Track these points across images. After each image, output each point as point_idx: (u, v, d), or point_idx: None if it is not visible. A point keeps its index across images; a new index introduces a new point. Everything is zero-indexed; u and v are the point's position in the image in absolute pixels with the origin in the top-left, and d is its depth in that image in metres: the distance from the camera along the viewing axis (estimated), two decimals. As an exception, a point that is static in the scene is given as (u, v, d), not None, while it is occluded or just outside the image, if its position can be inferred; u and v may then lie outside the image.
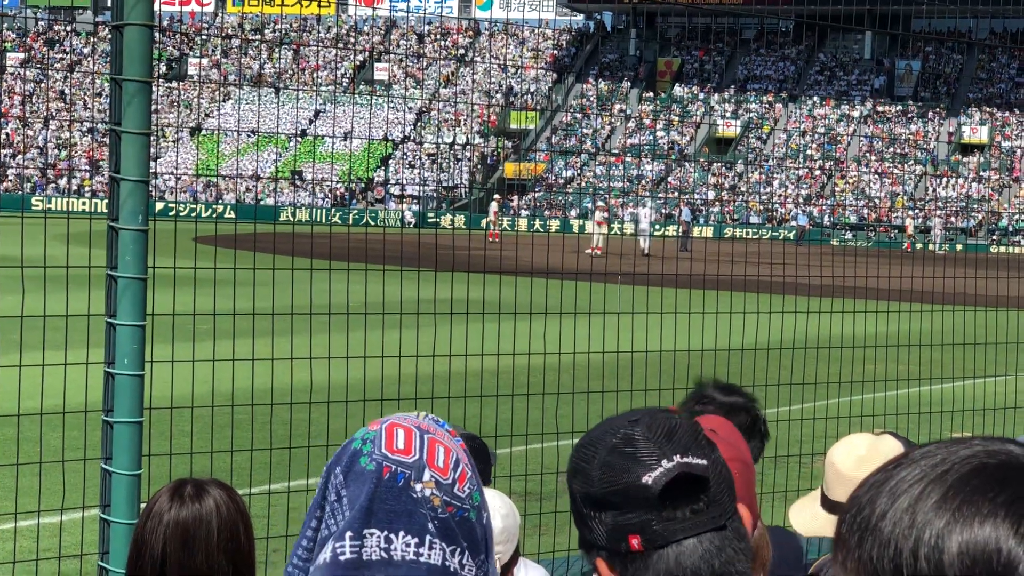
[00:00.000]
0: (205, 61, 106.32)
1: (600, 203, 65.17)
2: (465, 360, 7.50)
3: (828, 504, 3.96)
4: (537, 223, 76.55)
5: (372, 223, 63.87)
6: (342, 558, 2.38)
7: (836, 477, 3.82)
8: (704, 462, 2.31)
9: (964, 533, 1.55)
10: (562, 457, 8.77)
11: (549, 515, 8.34)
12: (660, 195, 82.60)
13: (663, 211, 70.79)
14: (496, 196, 69.52)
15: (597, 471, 2.39)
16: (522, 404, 7.73)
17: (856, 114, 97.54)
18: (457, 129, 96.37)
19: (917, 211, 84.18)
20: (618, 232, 61.69)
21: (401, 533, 2.39)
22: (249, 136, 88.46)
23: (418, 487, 2.42)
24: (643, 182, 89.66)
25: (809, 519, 4.03)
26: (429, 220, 69.42)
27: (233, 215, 66.61)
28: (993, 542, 1.54)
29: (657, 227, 53.71)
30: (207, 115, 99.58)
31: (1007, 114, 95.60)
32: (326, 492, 2.48)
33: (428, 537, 2.40)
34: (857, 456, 3.78)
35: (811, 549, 4.20)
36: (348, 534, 2.39)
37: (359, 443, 2.48)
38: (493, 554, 2.56)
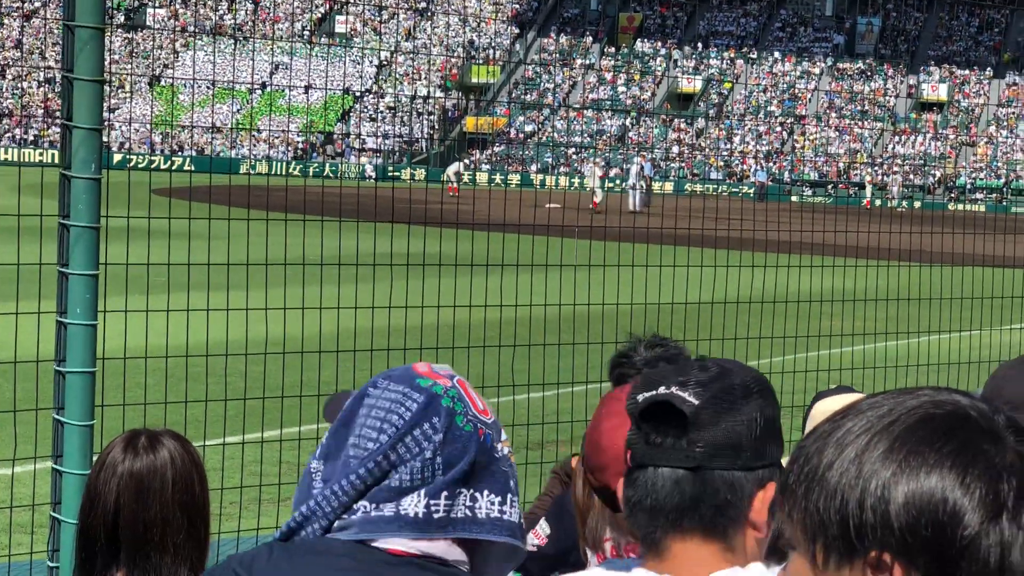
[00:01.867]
0: (163, 11, 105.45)
1: (598, 158, 65.08)
2: (421, 313, 7.48)
3: None
4: (498, 177, 76.43)
5: (332, 176, 63.60)
6: (436, 516, 2.43)
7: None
8: (695, 401, 2.32)
9: (910, 483, 1.55)
10: (518, 410, 8.79)
11: (519, 467, 8.34)
12: (620, 150, 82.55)
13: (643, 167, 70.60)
14: (459, 163, 68.89)
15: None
16: (478, 358, 7.71)
17: (817, 71, 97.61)
18: (418, 83, 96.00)
19: (877, 168, 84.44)
20: (579, 187, 61.61)
21: (486, 492, 2.46)
22: (208, 87, 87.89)
23: (499, 447, 2.51)
24: (604, 137, 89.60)
25: None
26: (389, 174, 69.19)
27: (192, 167, 66.20)
28: (939, 492, 1.54)
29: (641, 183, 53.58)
30: (165, 66, 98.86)
31: (966, 72, 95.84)
32: (400, 441, 2.45)
33: (509, 496, 2.48)
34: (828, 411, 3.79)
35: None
36: (444, 493, 2.43)
37: (448, 401, 2.50)
38: None
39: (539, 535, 4.44)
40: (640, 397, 2.36)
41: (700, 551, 2.33)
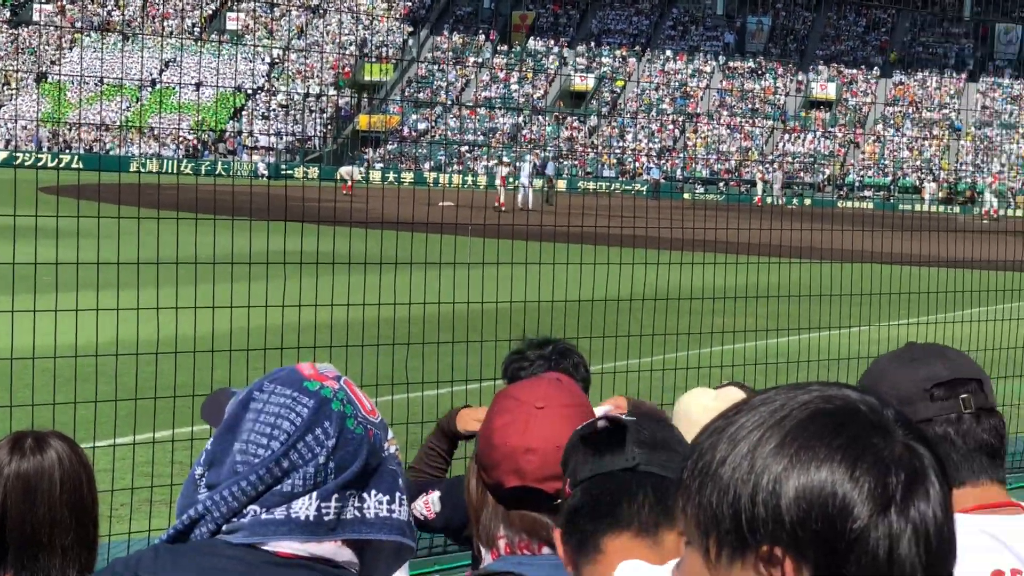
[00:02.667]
0: (50, 7, 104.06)
1: (505, 158, 65.21)
2: (315, 311, 7.45)
3: None
4: (391, 176, 76.28)
5: (224, 175, 63.10)
6: (326, 518, 2.41)
7: (690, 428, 3.84)
8: (632, 419, 2.50)
9: (801, 477, 1.56)
10: (413, 408, 8.75)
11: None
12: (514, 148, 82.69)
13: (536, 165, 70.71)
14: (352, 167, 68.65)
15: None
16: (372, 356, 7.69)
17: (708, 69, 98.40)
18: (311, 81, 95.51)
19: (767, 166, 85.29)
20: (472, 186, 61.69)
21: (374, 492, 2.46)
22: (97, 84, 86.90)
23: (386, 445, 2.50)
24: (497, 135, 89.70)
25: None
26: (282, 172, 68.78)
27: (80, 165, 65.37)
28: (829, 486, 1.55)
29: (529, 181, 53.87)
30: (52, 62, 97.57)
31: (855, 71, 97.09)
32: (293, 448, 2.43)
33: (398, 494, 2.48)
34: (703, 405, 3.79)
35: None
36: (335, 496, 2.42)
37: (338, 404, 2.49)
38: None
39: (429, 507, 4.43)
40: (579, 427, 2.47)
41: (632, 549, 2.38)
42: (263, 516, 2.40)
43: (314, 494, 2.41)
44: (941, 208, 69.26)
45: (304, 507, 2.40)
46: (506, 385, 4.81)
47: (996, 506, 2.88)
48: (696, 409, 3.83)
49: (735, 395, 3.83)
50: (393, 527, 2.46)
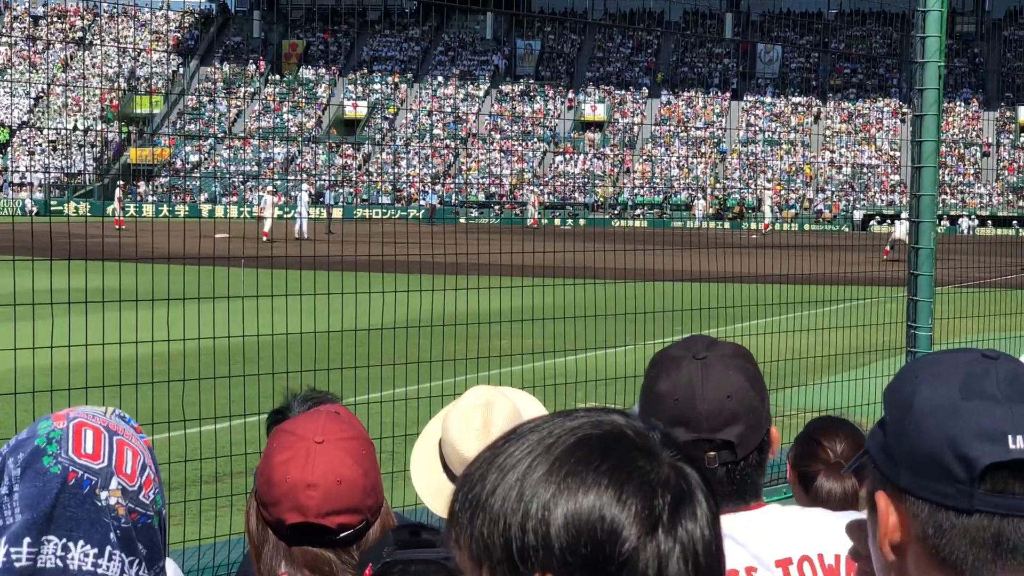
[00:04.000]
0: None
1: (270, 187, 64.68)
2: (85, 351, 7.28)
3: (450, 475, 3.96)
4: (165, 208, 75.15)
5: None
6: (17, 565, 2.26)
7: (453, 452, 3.82)
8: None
9: (569, 504, 1.57)
10: (191, 445, 8.61)
11: (177, 504, 8.20)
12: (289, 177, 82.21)
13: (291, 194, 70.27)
14: (120, 183, 67.89)
15: None
16: (147, 392, 7.56)
17: (480, 93, 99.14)
18: (78, 114, 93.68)
19: (542, 188, 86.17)
20: (248, 215, 61.10)
21: (81, 542, 2.29)
22: None
23: (104, 495, 2.32)
24: (271, 165, 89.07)
25: (435, 493, 4.01)
26: (52, 208, 67.30)
27: None
28: (597, 510, 1.57)
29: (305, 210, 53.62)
30: None
31: (624, 92, 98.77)
32: None
33: (108, 548, 2.31)
34: (474, 430, 3.78)
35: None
36: (26, 540, 2.26)
37: (43, 441, 2.35)
38: (164, 561, 2.48)
39: None
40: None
41: None
42: None
43: (3, 538, 2.28)
44: (713, 224, 70.83)
45: None
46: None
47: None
48: (464, 440, 3.80)
49: (501, 407, 3.82)
50: None
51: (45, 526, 2.28)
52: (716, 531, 1.64)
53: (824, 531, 2.92)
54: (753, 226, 66.28)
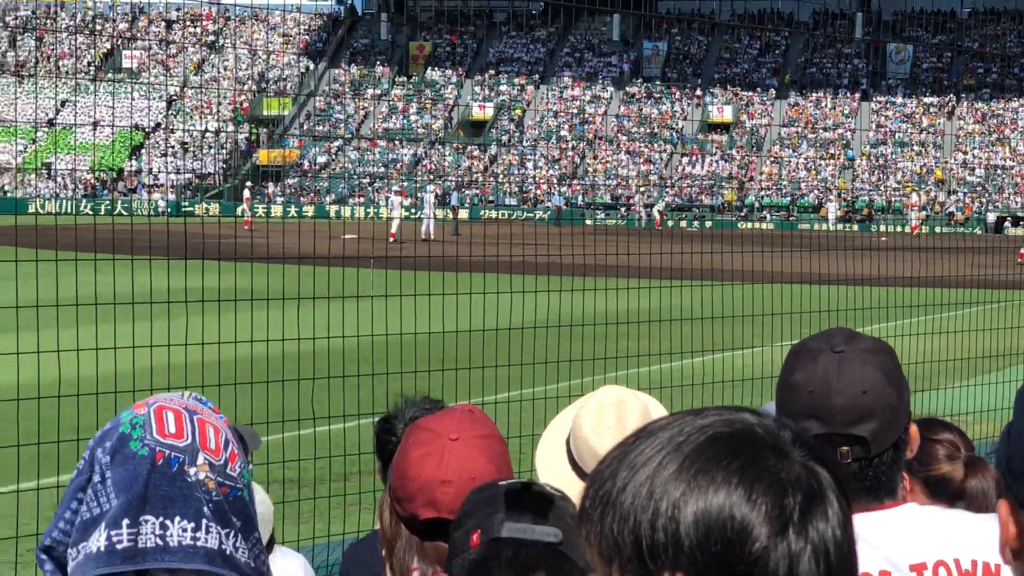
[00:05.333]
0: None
1: (396, 188, 65.00)
2: (218, 348, 7.39)
3: (583, 476, 3.96)
4: (292, 209, 75.93)
5: (124, 213, 62.58)
6: (119, 547, 2.31)
7: (586, 448, 3.81)
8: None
9: (699, 502, 1.57)
10: (320, 443, 8.73)
11: (308, 502, 8.30)
12: (416, 178, 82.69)
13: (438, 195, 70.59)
14: (248, 184, 68.80)
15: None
16: (278, 391, 7.65)
17: (607, 95, 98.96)
18: (209, 117, 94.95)
19: (668, 190, 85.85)
20: (375, 217, 61.54)
21: (177, 519, 2.34)
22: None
23: (192, 471, 2.38)
24: (398, 166, 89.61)
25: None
26: (183, 209, 68.31)
27: (-23, 208, 64.53)
28: (727, 509, 1.56)
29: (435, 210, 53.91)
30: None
31: (751, 93, 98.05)
32: (90, 475, 2.40)
33: (204, 521, 2.36)
34: (608, 428, 3.78)
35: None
36: (125, 521, 2.32)
37: (127, 427, 2.41)
38: (260, 532, 2.53)
39: None
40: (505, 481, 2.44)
41: None
42: (71, 560, 2.38)
43: (103, 523, 2.34)
44: (841, 226, 70.09)
45: (96, 538, 2.33)
46: (375, 449, 4.81)
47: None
48: (593, 435, 3.80)
49: (633, 407, 3.81)
50: (198, 555, 2.34)
51: (141, 507, 2.33)
52: (848, 532, 1.63)
53: (962, 534, 2.86)
54: (883, 228, 65.52)
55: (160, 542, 2.33)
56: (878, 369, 2.92)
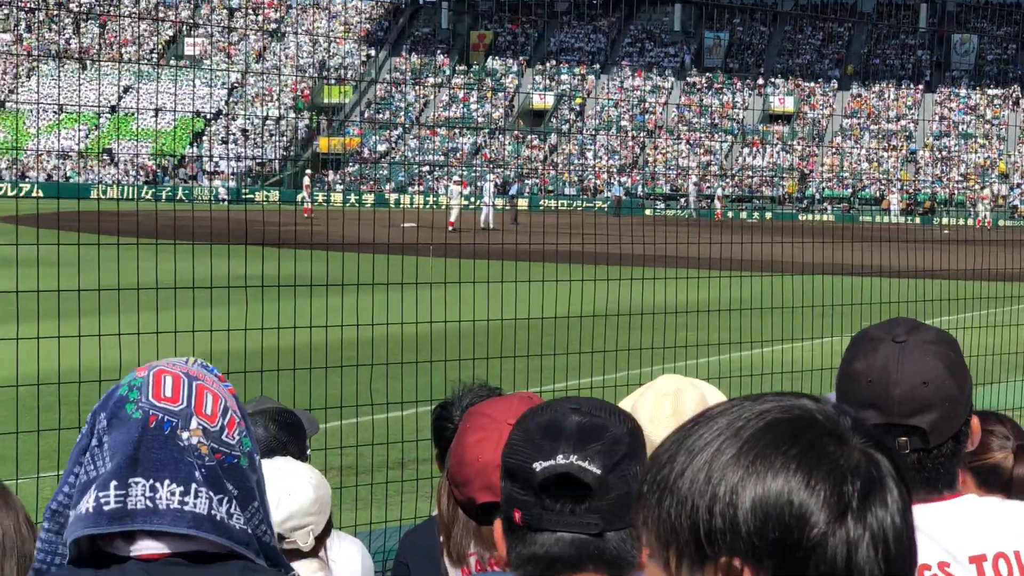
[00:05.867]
0: (7, 36, 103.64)
1: (457, 177, 65.04)
2: (277, 335, 7.43)
3: None
4: (352, 197, 76.17)
5: (185, 200, 62.91)
6: (106, 508, 2.34)
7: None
8: (597, 471, 2.32)
9: (757, 487, 1.57)
10: (379, 430, 8.74)
11: (365, 488, 8.32)
12: (475, 167, 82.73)
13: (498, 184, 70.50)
14: (308, 171, 69.04)
15: (516, 437, 2.43)
16: (336, 378, 7.69)
17: (667, 85, 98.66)
18: (270, 104, 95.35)
19: (727, 180, 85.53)
20: (434, 206, 61.68)
21: (167, 482, 2.36)
22: (55, 113, 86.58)
23: (185, 435, 2.39)
24: (458, 154, 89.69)
25: None
26: (243, 196, 68.60)
27: (40, 194, 65.05)
28: (785, 495, 1.56)
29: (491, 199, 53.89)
30: (10, 91, 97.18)
31: (812, 84, 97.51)
32: (91, 438, 2.43)
33: (194, 485, 2.37)
34: (665, 417, 3.76)
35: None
36: (113, 483, 2.35)
37: (125, 389, 2.44)
38: (268, 501, 2.53)
39: None
40: (538, 467, 2.35)
41: None
42: (72, 515, 2.39)
43: (96, 483, 2.36)
44: (903, 219, 69.63)
45: (87, 499, 2.36)
46: (432, 434, 4.83)
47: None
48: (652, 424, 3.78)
49: (690, 396, 3.79)
50: (185, 519, 2.36)
51: (132, 469, 2.35)
52: (907, 520, 1.62)
53: (1022, 526, 2.84)
54: (946, 220, 65.01)
55: (150, 504, 2.35)
56: (940, 360, 2.90)
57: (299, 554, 3.81)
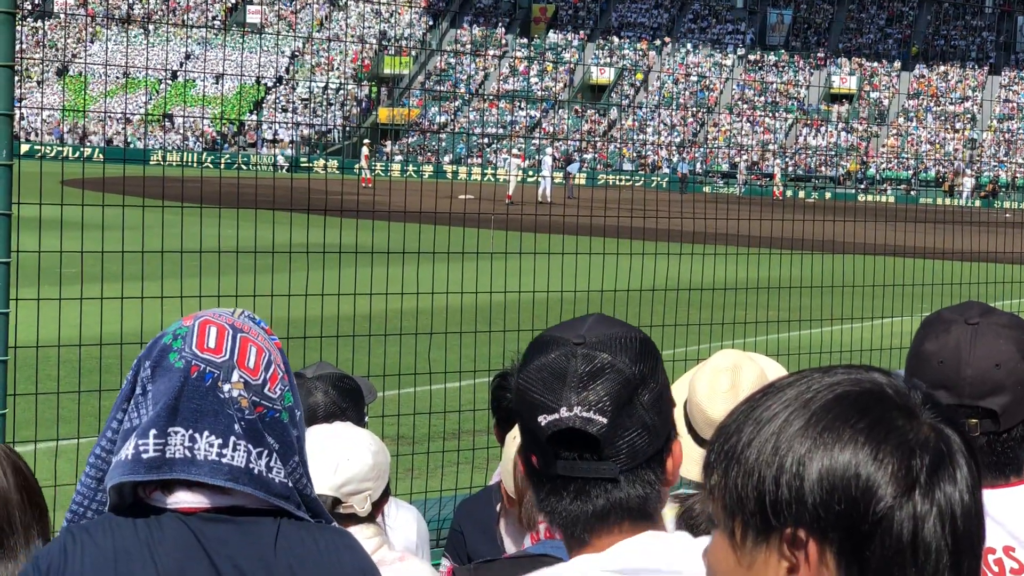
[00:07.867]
0: (72, 0, 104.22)
1: (516, 150, 64.91)
2: (337, 302, 7.47)
3: (699, 440, 3.94)
4: (411, 168, 76.18)
5: (244, 167, 63.13)
6: (145, 456, 2.35)
7: (699, 413, 3.79)
8: (603, 420, 2.28)
9: (824, 459, 1.57)
10: (435, 400, 8.78)
11: (421, 456, 8.35)
12: (533, 140, 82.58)
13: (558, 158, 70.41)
14: (367, 141, 69.14)
15: (522, 381, 2.37)
16: (394, 347, 7.72)
17: (729, 62, 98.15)
18: (330, 73, 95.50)
19: (787, 159, 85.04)
20: (492, 178, 61.65)
21: (206, 433, 2.37)
22: (118, 77, 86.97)
23: (226, 387, 2.41)
24: (516, 128, 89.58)
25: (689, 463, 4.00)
26: (302, 164, 68.73)
27: (102, 158, 65.40)
28: (852, 468, 1.56)
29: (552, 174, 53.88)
30: (74, 55, 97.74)
31: (875, 64, 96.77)
32: (134, 385, 2.44)
33: (233, 438, 2.38)
34: (722, 392, 3.76)
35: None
36: (152, 431, 2.36)
37: (170, 338, 2.45)
38: (306, 457, 2.53)
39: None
40: (543, 422, 2.30)
41: (631, 537, 2.34)
42: (113, 459, 2.40)
43: (137, 431, 2.37)
44: (965, 202, 69.03)
45: (128, 446, 2.36)
46: (491, 407, 4.85)
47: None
48: (711, 402, 3.77)
49: (748, 371, 3.78)
50: (222, 471, 2.36)
51: (171, 418, 2.36)
52: (976, 497, 1.61)
53: None
54: (1008, 204, 64.44)
55: (188, 454, 2.36)
56: (1013, 344, 2.88)
57: (356, 519, 3.83)
